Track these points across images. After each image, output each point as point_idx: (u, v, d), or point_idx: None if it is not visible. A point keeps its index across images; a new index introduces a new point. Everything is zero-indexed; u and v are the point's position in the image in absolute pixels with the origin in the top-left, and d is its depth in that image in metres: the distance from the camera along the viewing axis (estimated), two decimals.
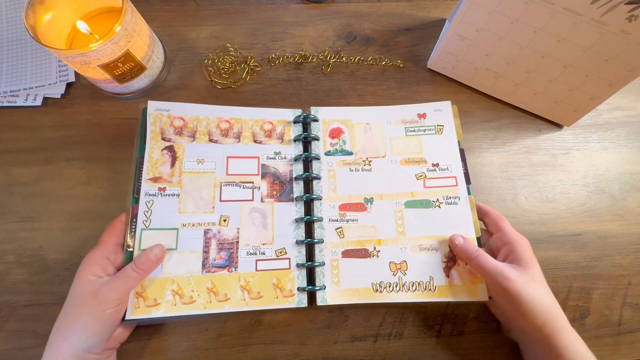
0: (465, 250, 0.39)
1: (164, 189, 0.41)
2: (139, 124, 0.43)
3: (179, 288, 0.38)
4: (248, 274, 0.40)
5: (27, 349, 0.39)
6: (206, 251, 0.40)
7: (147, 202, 0.40)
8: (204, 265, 0.40)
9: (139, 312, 0.37)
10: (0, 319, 0.40)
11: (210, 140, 0.44)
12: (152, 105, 0.43)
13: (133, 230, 0.39)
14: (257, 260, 0.41)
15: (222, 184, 0.42)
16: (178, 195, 0.41)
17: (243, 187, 0.43)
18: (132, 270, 0.36)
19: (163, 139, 0.42)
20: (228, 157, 0.44)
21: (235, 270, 0.40)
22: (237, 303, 0.39)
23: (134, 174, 0.41)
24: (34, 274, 0.42)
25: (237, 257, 0.40)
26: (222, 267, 0.40)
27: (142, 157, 0.42)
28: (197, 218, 0.41)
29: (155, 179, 0.41)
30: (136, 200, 0.40)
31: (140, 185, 0.41)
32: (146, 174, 0.41)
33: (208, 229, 0.41)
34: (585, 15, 0.36)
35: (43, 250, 0.42)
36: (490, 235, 0.41)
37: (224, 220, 0.41)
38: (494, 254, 0.39)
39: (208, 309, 0.38)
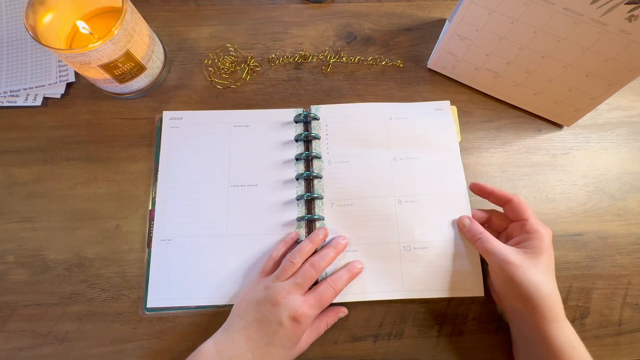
0: (470, 230, 0.40)
1: None
2: (154, 135, 0.46)
3: None
4: None
5: (27, 349, 0.39)
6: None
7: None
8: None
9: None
10: (0, 319, 0.40)
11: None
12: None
13: (151, 232, 0.42)
14: None
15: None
16: None
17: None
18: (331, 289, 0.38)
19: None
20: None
21: None
22: None
23: (152, 178, 0.44)
24: (34, 274, 0.42)
25: None
26: None
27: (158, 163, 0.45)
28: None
29: None
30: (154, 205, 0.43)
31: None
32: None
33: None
34: (585, 15, 0.36)
35: (43, 250, 0.42)
36: (502, 221, 0.41)
37: None
38: (509, 238, 0.40)
39: None
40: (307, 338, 0.37)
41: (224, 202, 0.43)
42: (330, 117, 0.47)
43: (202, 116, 0.47)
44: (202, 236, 0.42)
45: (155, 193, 0.44)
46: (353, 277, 0.40)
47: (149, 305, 0.40)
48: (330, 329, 0.40)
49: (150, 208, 0.43)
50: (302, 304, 0.35)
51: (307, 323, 0.35)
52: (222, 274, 0.41)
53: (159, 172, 0.44)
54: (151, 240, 0.42)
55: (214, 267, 0.41)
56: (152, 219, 0.43)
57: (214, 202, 0.43)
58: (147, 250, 0.42)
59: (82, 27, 0.42)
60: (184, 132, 0.46)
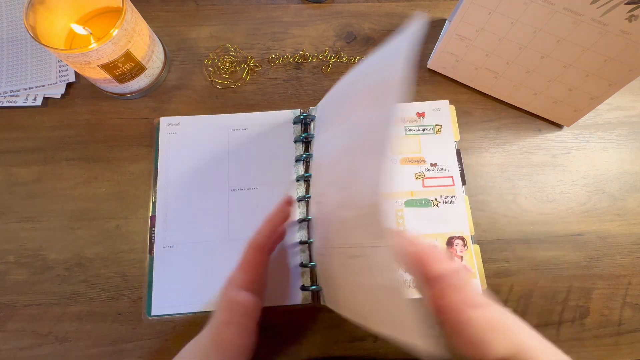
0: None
1: None
2: (154, 135, 0.46)
3: None
4: None
5: (27, 349, 0.39)
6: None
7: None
8: None
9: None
10: (0, 319, 0.40)
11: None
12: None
13: (152, 239, 0.42)
14: None
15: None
16: None
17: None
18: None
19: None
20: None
21: None
22: None
23: (152, 180, 0.44)
24: (34, 274, 0.42)
25: None
26: None
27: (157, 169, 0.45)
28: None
29: None
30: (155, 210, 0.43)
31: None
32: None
33: None
34: (585, 15, 0.36)
35: (43, 250, 0.42)
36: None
37: None
38: None
39: None
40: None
41: (225, 207, 0.43)
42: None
43: (199, 121, 0.46)
44: (204, 241, 0.42)
45: (155, 197, 0.44)
46: (273, 214, 0.36)
47: (154, 313, 0.40)
48: (330, 328, 0.40)
49: (150, 213, 0.43)
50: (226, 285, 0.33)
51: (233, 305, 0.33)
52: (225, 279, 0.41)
53: (158, 179, 0.44)
54: (153, 247, 0.42)
55: (217, 272, 0.41)
56: (153, 225, 0.43)
57: (214, 207, 0.43)
58: (148, 256, 0.42)
59: (79, 30, 0.42)
60: (182, 138, 0.46)
